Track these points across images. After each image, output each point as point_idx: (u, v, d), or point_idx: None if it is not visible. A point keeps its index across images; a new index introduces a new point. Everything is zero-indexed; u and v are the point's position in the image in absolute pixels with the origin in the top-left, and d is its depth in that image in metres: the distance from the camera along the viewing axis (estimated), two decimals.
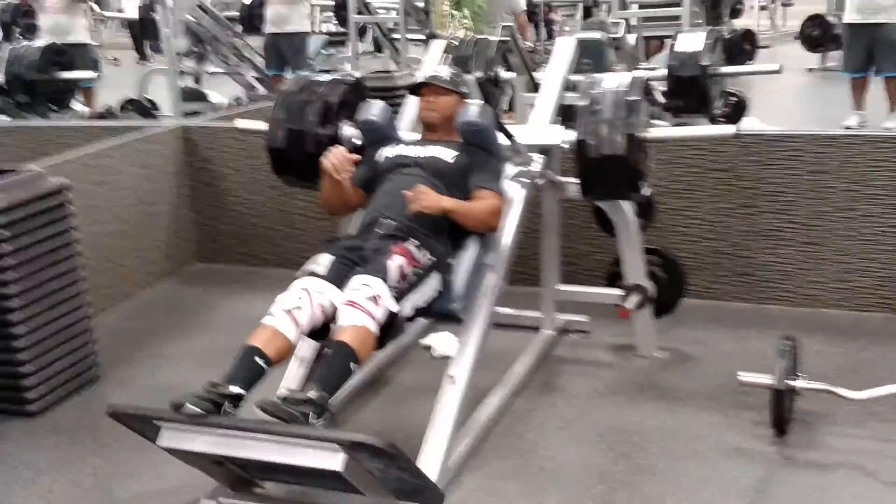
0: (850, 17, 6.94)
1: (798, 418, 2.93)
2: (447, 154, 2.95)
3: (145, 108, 6.92)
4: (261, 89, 7.76)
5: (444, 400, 2.68)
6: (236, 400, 2.35)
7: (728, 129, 3.14)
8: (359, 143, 3.13)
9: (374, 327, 2.46)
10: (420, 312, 2.71)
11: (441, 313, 2.85)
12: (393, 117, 3.24)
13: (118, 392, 3.37)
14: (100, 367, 3.47)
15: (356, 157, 2.90)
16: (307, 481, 2.52)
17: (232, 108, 7.13)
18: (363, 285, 2.50)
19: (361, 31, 9.90)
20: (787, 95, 8.99)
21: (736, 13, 10.19)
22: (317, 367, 2.72)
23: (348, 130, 3.20)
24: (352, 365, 2.41)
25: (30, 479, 2.80)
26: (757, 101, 6.71)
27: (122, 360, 3.63)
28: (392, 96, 3.93)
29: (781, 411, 2.80)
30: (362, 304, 2.46)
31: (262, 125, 3.41)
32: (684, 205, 4.01)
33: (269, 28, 7.85)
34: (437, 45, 3.87)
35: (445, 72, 3.14)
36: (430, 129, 3.09)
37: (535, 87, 4.24)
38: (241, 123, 3.76)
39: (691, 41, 4.85)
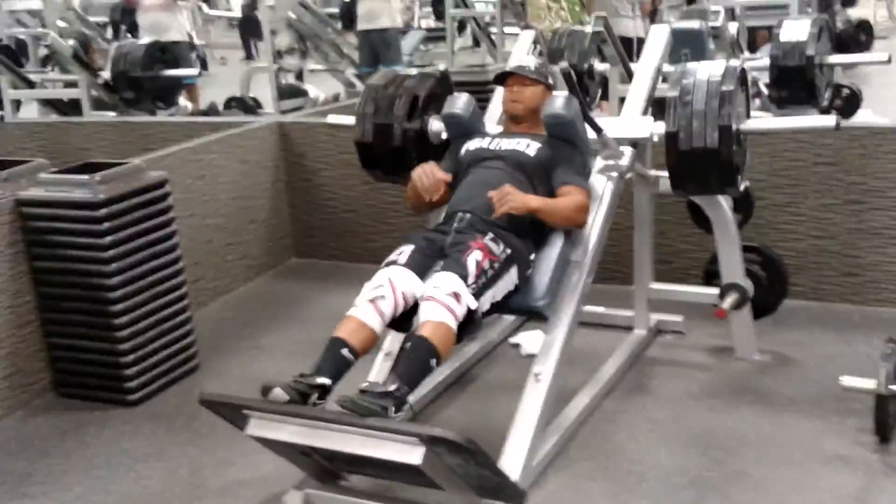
0: None
1: None
2: (530, 147, 2.90)
3: (248, 106, 7.11)
4: (360, 86, 7.85)
5: (528, 398, 2.65)
6: (323, 391, 2.38)
7: (828, 121, 2.97)
8: (445, 136, 3.12)
9: (453, 324, 2.45)
10: (497, 307, 2.68)
11: (524, 310, 2.81)
12: (479, 111, 3.21)
13: (215, 382, 3.46)
14: (198, 358, 3.57)
15: (448, 177, 2.90)
16: (389, 475, 2.54)
17: (328, 102, 7.25)
18: (444, 282, 2.49)
19: (460, 27, 9.90)
20: None
21: (850, 2, 9.79)
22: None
23: (435, 124, 3.19)
24: (432, 361, 2.41)
25: (128, 466, 2.90)
26: (872, 95, 6.43)
27: (220, 352, 3.73)
28: (483, 90, 3.91)
29: (885, 418, 2.66)
30: (443, 300, 2.45)
31: (351, 119, 3.44)
32: (787, 200, 3.85)
33: (361, 24, 7.93)
34: (527, 36, 3.81)
35: (532, 62, 3.10)
36: (515, 121, 3.05)
37: (630, 78, 4.14)
38: (332, 118, 3.81)
39: (796, 30, 4.69)
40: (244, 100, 7.30)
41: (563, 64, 2.93)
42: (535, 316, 2.84)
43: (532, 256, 2.78)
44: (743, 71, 2.94)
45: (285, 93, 6.81)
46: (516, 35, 4.02)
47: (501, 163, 2.87)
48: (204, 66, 9.06)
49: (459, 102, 3.12)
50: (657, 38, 3.45)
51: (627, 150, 3.05)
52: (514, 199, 2.67)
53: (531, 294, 2.76)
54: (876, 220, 3.74)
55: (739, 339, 3.40)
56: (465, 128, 3.09)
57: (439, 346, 2.41)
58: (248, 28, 12.50)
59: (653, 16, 8.76)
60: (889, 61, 4.78)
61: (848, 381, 2.74)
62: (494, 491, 2.37)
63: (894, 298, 3.75)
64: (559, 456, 2.77)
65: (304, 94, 7.40)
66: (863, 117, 5.90)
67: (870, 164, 3.70)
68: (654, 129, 3.05)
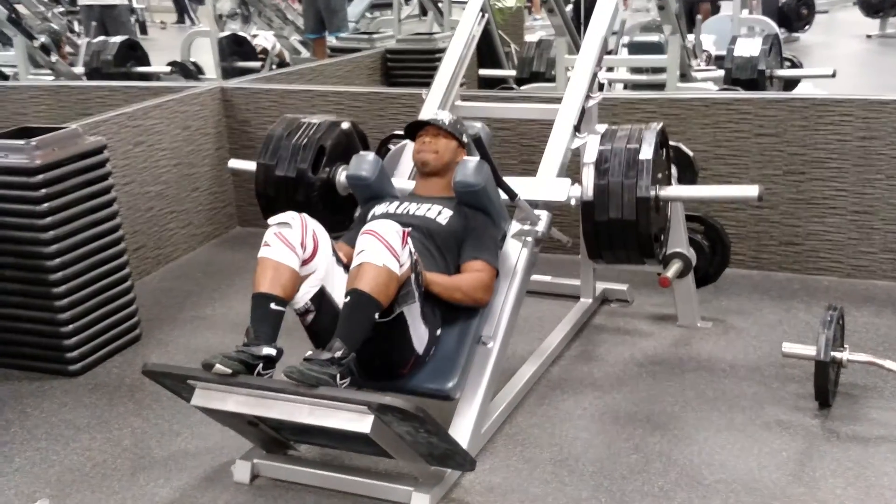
0: None
1: (843, 391, 2.86)
2: (441, 214, 2.73)
3: (189, 71, 6.95)
4: (305, 52, 7.74)
5: (476, 365, 2.65)
6: (269, 361, 2.35)
7: (752, 191, 2.80)
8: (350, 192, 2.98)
9: (396, 268, 2.33)
10: (400, 381, 2.56)
11: (434, 394, 2.56)
12: (386, 172, 2.97)
13: (158, 353, 3.40)
14: (141, 328, 3.51)
15: None
16: (339, 444, 2.53)
17: (282, 56, 7.11)
18: (388, 226, 2.37)
19: None
20: (845, 61, 8.73)
21: None
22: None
23: (344, 176, 3.01)
24: (375, 315, 2.32)
25: (70, 437, 2.84)
26: (814, 66, 6.56)
27: (163, 322, 3.67)
28: (429, 60, 3.85)
29: (825, 384, 2.72)
30: (387, 237, 2.33)
31: (251, 166, 3.23)
32: (729, 170, 3.91)
33: None
34: (474, 4, 3.70)
35: (447, 116, 2.93)
36: (425, 174, 2.88)
37: (577, 48, 4.14)
38: (234, 163, 3.56)
39: (749, 46, 5.40)
40: (185, 65, 7.14)
41: (474, 129, 2.86)
42: (441, 398, 2.57)
43: (438, 332, 2.62)
44: (663, 132, 2.85)
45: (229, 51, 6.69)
46: (464, 3, 3.97)
47: (413, 229, 2.61)
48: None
49: (365, 165, 2.89)
50: (603, 13, 3.30)
51: (544, 215, 2.87)
52: None
53: (438, 375, 2.57)
54: (815, 190, 3.81)
55: (682, 307, 3.45)
56: (372, 190, 2.90)
57: (379, 296, 2.30)
58: None
59: None
60: (834, 75, 5.21)
61: (788, 347, 2.79)
62: (443, 458, 2.38)
63: (833, 267, 3.83)
64: (507, 423, 2.79)
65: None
66: (804, 89, 6.01)
67: (810, 135, 3.76)
68: (572, 192, 2.87)
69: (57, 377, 3.21)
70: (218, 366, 2.27)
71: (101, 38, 6.65)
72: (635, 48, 3.56)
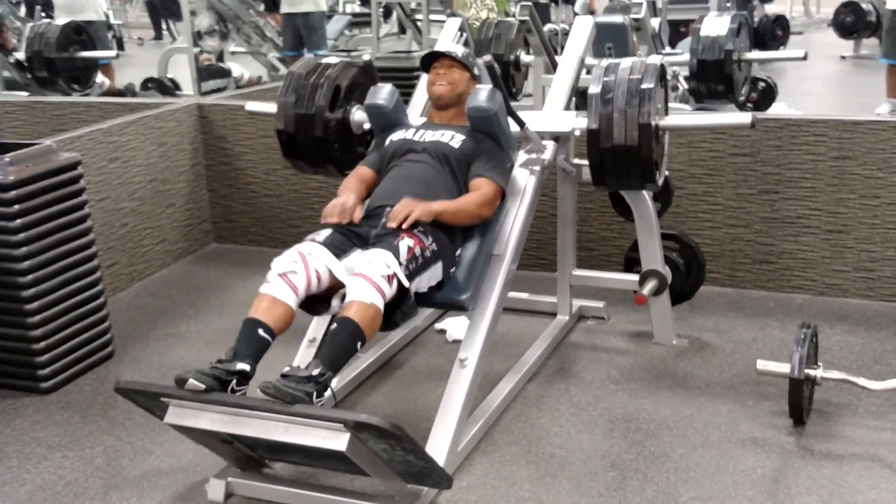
0: (894, 3, 6.81)
1: (817, 409, 2.88)
2: (454, 139, 2.88)
3: (166, 87, 6.94)
4: (283, 69, 7.74)
5: (453, 383, 2.66)
6: (243, 377, 2.33)
7: (744, 118, 3.04)
8: (367, 126, 3.08)
9: (381, 304, 2.41)
10: (421, 299, 2.64)
11: (447, 303, 2.79)
12: (402, 102, 3.16)
13: (131, 370, 3.37)
14: (114, 346, 3.47)
15: (358, 217, 2.72)
16: (314, 462, 2.51)
17: (252, 83, 7.12)
18: (377, 260, 2.44)
19: (386, 13, 9.84)
20: (819, 82, 8.85)
21: None
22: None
23: (358, 114, 3.15)
24: (357, 343, 2.37)
25: (42, 454, 2.80)
26: (788, 88, 6.64)
27: (136, 339, 3.63)
28: (408, 77, 3.89)
29: (799, 401, 2.74)
30: (374, 279, 2.40)
31: (272, 107, 3.36)
32: (704, 189, 3.94)
33: (284, 7, 7.84)
34: (453, 23, 3.80)
35: (459, 49, 3.08)
36: (440, 106, 3.02)
37: (554, 68, 4.18)
38: (252, 105, 3.72)
39: (715, 26, 4.80)
40: (162, 81, 7.13)
41: (487, 57, 2.93)
42: (457, 308, 2.82)
43: (458, 252, 2.77)
44: (662, 68, 2.98)
45: (208, 73, 6.67)
46: (442, 22, 4.01)
47: (426, 155, 2.83)
48: (120, 46, 8.80)
49: (382, 93, 3.06)
50: (580, 30, 3.47)
51: (550, 144, 3.06)
52: (416, 212, 2.60)
53: (454, 288, 2.74)
54: (789, 209, 3.84)
55: (658, 324, 3.46)
56: (388, 119, 3.05)
57: (365, 328, 2.37)
58: (164, 8, 12.19)
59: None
60: (805, 58, 4.93)
61: (763, 365, 2.80)
62: (420, 476, 2.36)
63: (807, 285, 3.87)
64: (484, 441, 2.78)
65: (227, 73, 7.25)
66: (778, 109, 6.07)
67: (784, 155, 3.80)
68: (576, 123, 3.07)
69: (29, 394, 3.16)
70: (191, 381, 2.25)
71: (45, 20, 6.52)
72: (599, 30, 3.55)
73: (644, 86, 2.85)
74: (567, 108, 3.26)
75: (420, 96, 3.48)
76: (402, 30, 10.12)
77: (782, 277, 3.90)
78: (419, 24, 7.95)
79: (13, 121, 5.15)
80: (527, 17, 4.94)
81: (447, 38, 3.72)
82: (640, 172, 2.93)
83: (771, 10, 10.11)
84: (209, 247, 4.78)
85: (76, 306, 3.27)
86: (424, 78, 3.27)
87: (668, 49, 6.21)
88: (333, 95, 3.19)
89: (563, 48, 3.50)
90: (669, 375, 3.21)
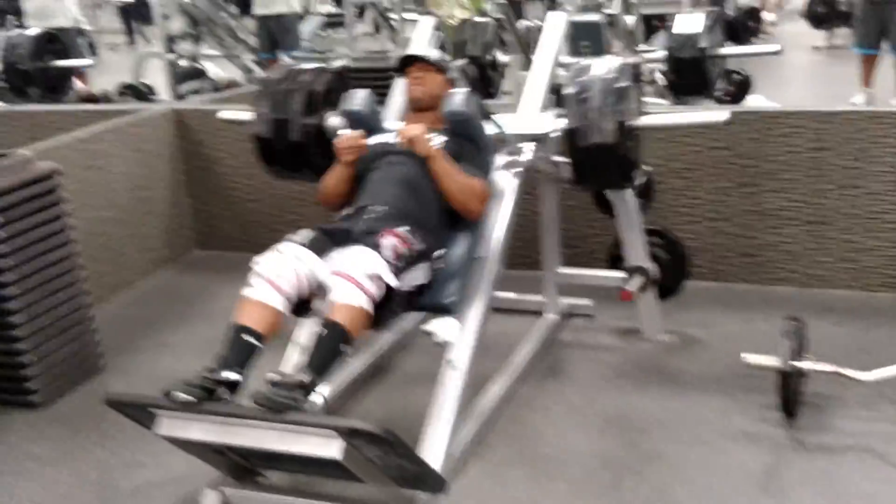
0: None
1: (807, 401, 2.90)
2: (433, 142, 2.83)
3: (141, 93, 6.89)
4: (258, 72, 7.69)
5: (444, 386, 2.64)
6: (232, 386, 2.30)
7: (720, 115, 3.06)
8: (344, 131, 3.06)
9: (368, 306, 2.36)
10: (407, 304, 2.63)
11: (433, 307, 2.76)
12: (378, 107, 3.15)
13: (121, 382, 3.34)
14: (102, 357, 3.44)
15: (363, 142, 2.84)
16: (308, 470, 2.49)
17: (230, 85, 7.07)
18: (361, 259, 2.40)
19: (360, 12, 9.80)
20: (794, 73, 8.93)
21: None
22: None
23: (334, 119, 3.12)
24: (342, 346, 2.33)
25: (34, 471, 2.78)
26: (763, 80, 6.66)
27: (124, 350, 3.60)
28: (383, 77, 3.86)
29: (789, 394, 2.76)
30: (358, 279, 2.35)
31: (246, 115, 3.33)
32: (685, 184, 3.96)
33: (257, 10, 7.81)
34: (427, 23, 3.77)
35: (434, 52, 3.07)
36: (417, 109, 3.01)
37: (530, 65, 4.18)
38: (225, 114, 3.67)
39: (690, 22, 4.83)
40: (136, 86, 7.07)
41: (463, 60, 2.93)
42: (444, 312, 2.79)
43: (442, 252, 2.75)
44: (636, 66, 2.99)
45: (183, 76, 6.62)
46: (416, 21, 3.99)
47: (405, 157, 2.79)
48: (93, 52, 8.70)
49: (357, 99, 3.05)
50: (553, 27, 3.44)
51: (529, 146, 3.03)
52: (421, 136, 2.69)
53: (440, 291, 2.72)
54: (769, 201, 3.87)
55: (646, 320, 3.48)
56: (365, 124, 3.00)
57: (351, 330, 2.32)
58: (135, 12, 12.08)
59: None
60: (780, 52, 4.96)
61: (751, 358, 2.82)
62: (415, 481, 2.36)
63: (791, 277, 3.90)
64: (477, 443, 2.78)
65: (202, 74, 7.20)
66: (755, 102, 6.11)
67: (762, 147, 3.83)
68: (553, 125, 3.04)
69: (19, 409, 3.13)
70: (179, 393, 2.22)
71: (18, 31, 6.47)
72: (574, 28, 3.55)
73: (619, 84, 2.87)
74: (544, 107, 3.26)
75: (396, 99, 3.46)
76: (377, 29, 10.10)
77: (766, 270, 3.93)
78: (393, 23, 7.95)
79: None
80: (503, 15, 4.94)
81: (421, 38, 3.71)
82: (617, 170, 2.95)
83: (744, 2, 10.17)
84: (191, 253, 4.75)
85: (62, 318, 3.24)
86: (400, 82, 3.26)
87: (642, 45, 6.23)
88: (308, 101, 3.15)
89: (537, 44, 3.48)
90: (659, 371, 3.22)
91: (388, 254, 2.46)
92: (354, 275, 2.36)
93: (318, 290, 2.50)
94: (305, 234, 2.57)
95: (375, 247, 2.46)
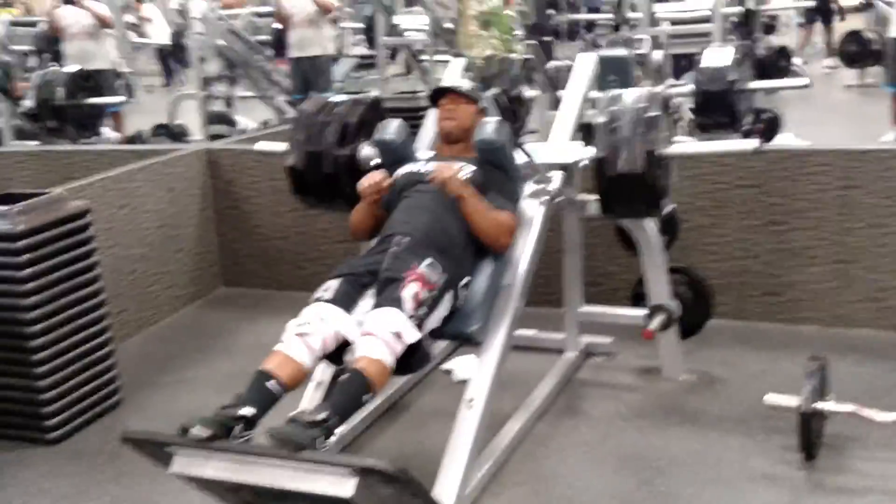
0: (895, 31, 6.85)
1: (828, 442, 2.84)
2: (463, 171, 2.88)
3: (175, 133, 7.00)
4: (291, 113, 7.80)
5: (461, 425, 2.64)
6: (248, 423, 2.32)
7: (748, 144, 3.07)
8: (374, 162, 3.11)
9: (391, 361, 2.42)
10: (433, 333, 2.65)
11: (457, 335, 2.80)
12: (411, 137, 3.21)
13: (138, 418, 3.36)
14: (121, 393, 3.47)
15: (387, 182, 2.89)
16: None
17: (259, 130, 7.17)
18: (385, 319, 2.45)
19: (392, 54, 9.92)
20: (825, 112, 8.84)
21: (770, 30, 10.09)
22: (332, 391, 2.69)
23: (367, 150, 3.18)
24: (365, 396, 2.38)
25: None
26: (794, 118, 6.62)
27: (143, 386, 3.63)
28: (415, 117, 3.92)
29: (810, 435, 2.71)
30: (383, 336, 2.41)
31: (280, 146, 3.40)
32: (711, 222, 3.93)
33: (292, 52, 7.93)
34: (458, 62, 3.86)
35: (466, 83, 3.12)
36: (448, 141, 3.06)
37: (558, 105, 4.21)
38: (261, 146, 3.77)
39: (718, 56, 4.81)
40: (170, 127, 7.19)
41: (495, 90, 2.96)
42: (467, 341, 2.83)
43: (466, 280, 2.77)
44: (666, 97, 3.00)
45: (213, 120, 6.73)
46: (447, 62, 4.06)
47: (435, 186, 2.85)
48: (130, 93, 8.90)
49: (391, 128, 3.12)
50: (584, 66, 3.51)
51: (557, 175, 3.08)
52: (453, 177, 2.74)
53: (463, 320, 2.75)
54: (796, 240, 3.83)
55: (667, 359, 3.44)
56: (397, 154, 3.08)
57: (374, 382, 2.38)
58: (173, 55, 12.33)
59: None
60: (809, 86, 4.93)
61: (772, 398, 2.78)
62: None
63: (815, 317, 3.84)
64: (492, 482, 2.76)
65: (231, 123, 7.32)
66: (784, 140, 6.06)
67: (791, 185, 3.80)
68: (583, 153, 3.09)
69: (35, 445, 3.16)
70: (195, 430, 2.24)
71: (53, 68, 6.63)
72: (602, 63, 3.59)
73: (649, 114, 2.91)
74: (572, 139, 3.29)
75: (428, 130, 3.51)
76: (409, 70, 10.21)
77: (790, 309, 3.88)
78: (425, 64, 8.03)
79: (24, 170, 5.21)
80: (532, 55, 4.98)
81: (453, 76, 3.76)
82: (646, 199, 2.97)
83: (775, 41, 10.13)
84: (218, 290, 4.79)
85: (83, 355, 3.28)
86: (432, 112, 3.30)
87: (671, 81, 6.23)
88: (342, 132, 3.23)
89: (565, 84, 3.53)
90: (679, 411, 3.18)
91: (409, 307, 2.49)
92: (378, 333, 2.42)
93: (346, 344, 2.54)
94: (332, 287, 2.60)
95: (397, 301, 2.49)
